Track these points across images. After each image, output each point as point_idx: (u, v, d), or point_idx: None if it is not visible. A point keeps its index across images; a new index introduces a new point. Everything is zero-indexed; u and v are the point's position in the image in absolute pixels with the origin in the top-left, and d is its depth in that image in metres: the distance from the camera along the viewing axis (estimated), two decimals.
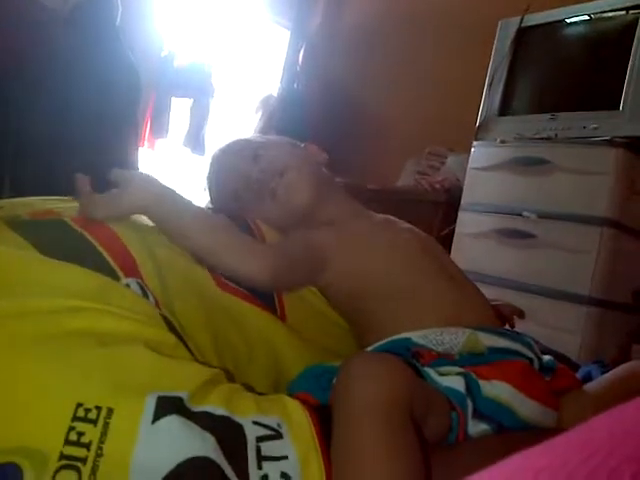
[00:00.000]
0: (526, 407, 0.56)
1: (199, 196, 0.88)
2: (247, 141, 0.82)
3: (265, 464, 0.40)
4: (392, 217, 0.81)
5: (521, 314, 0.87)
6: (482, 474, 0.22)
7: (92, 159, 1.29)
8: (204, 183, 0.84)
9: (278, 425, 0.43)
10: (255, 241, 0.68)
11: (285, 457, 0.41)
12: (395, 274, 0.70)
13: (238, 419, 0.42)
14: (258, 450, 0.40)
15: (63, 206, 0.66)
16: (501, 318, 0.82)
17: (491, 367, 0.58)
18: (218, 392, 0.44)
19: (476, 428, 0.54)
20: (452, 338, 0.61)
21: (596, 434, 0.22)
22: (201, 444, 0.39)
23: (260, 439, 0.41)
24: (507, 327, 0.82)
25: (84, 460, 0.36)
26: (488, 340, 0.62)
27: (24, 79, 1.16)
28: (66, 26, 1.24)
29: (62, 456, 0.36)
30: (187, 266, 0.61)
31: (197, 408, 0.41)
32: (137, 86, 1.46)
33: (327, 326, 0.71)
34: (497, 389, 0.56)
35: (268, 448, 0.41)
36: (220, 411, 0.42)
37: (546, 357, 0.67)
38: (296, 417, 0.44)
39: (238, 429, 0.41)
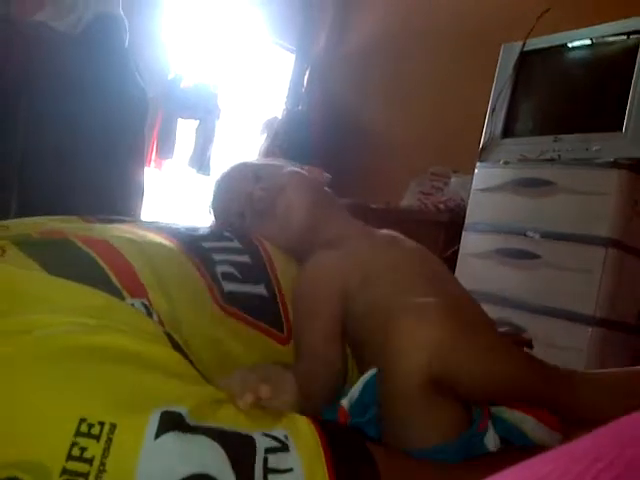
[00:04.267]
0: (537, 430, 0.57)
1: (204, 216, 0.89)
2: (248, 164, 0.83)
3: (270, 476, 0.40)
4: (397, 235, 0.81)
5: (530, 344, 0.85)
6: None
7: (99, 179, 1.30)
8: (208, 208, 0.85)
9: (285, 437, 0.43)
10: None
11: (290, 470, 0.41)
12: (394, 297, 0.70)
13: (247, 431, 0.42)
14: (265, 462, 0.40)
15: (69, 226, 0.66)
16: None
17: None
18: (226, 411, 0.44)
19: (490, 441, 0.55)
20: None
21: (601, 441, 0.22)
22: (202, 460, 0.39)
23: (268, 451, 0.41)
24: None
25: (86, 475, 0.36)
26: None
27: (33, 99, 1.18)
28: (75, 48, 1.26)
29: (64, 471, 0.36)
30: (193, 288, 0.61)
31: (202, 423, 0.41)
32: (144, 107, 1.48)
33: None
34: (504, 414, 0.58)
35: (274, 460, 0.41)
36: (229, 426, 0.42)
37: None
38: (302, 430, 0.44)
39: (248, 440, 0.41)
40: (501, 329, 0.81)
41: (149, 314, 0.52)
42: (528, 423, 0.58)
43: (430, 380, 0.51)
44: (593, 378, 0.60)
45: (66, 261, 0.54)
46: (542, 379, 0.57)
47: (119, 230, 0.65)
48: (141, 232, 0.66)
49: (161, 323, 0.53)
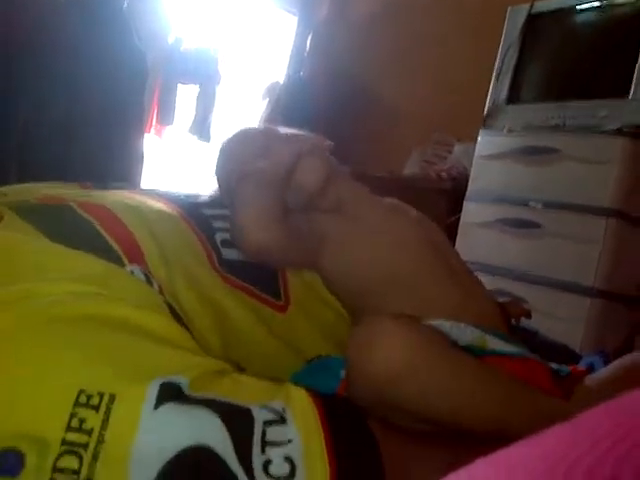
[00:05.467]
0: None
1: (205, 183, 0.88)
2: (253, 128, 0.81)
3: (268, 449, 0.40)
4: (401, 204, 0.80)
5: (528, 315, 0.84)
6: (482, 463, 0.22)
7: (98, 146, 1.29)
8: (212, 174, 0.83)
9: (283, 410, 0.43)
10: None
11: (289, 441, 0.41)
12: (396, 268, 0.69)
13: (246, 404, 0.42)
14: (263, 434, 0.40)
15: (67, 192, 0.66)
16: (507, 317, 0.80)
17: (497, 359, 0.58)
18: (225, 383, 0.44)
19: None
20: (460, 333, 0.60)
21: (604, 420, 0.22)
22: (201, 432, 0.39)
23: (266, 423, 0.41)
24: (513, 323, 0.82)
25: (85, 446, 0.36)
26: (495, 345, 0.61)
27: (29, 65, 1.16)
28: (72, 11, 1.24)
29: (64, 442, 0.36)
30: (191, 254, 0.61)
31: (201, 395, 0.41)
32: (143, 71, 1.45)
33: (332, 317, 0.71)
34: None
35: (272, 433, 0.41)
36: (227, 399, 0.42)
37: (560, 365, 0.66)
38: (300, 402, 0.45)
39: (246, 413, 0.41)
40: (501, 300, 0.81)
41: (149, 282, 0.52)
42: None
43: (381, 404, 0.48)
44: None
45: (64, 227, 0.53)
46: (530, 415, 0.49)
47: (117, 196, 0.65)
48: (140, 198, 0.65)
49: (161, 291, 0.53)
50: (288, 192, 0.72)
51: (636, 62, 1.61)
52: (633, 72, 1.62)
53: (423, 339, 0.49)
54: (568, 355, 0.76)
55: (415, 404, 0.48)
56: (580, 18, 1.87)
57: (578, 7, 1.84)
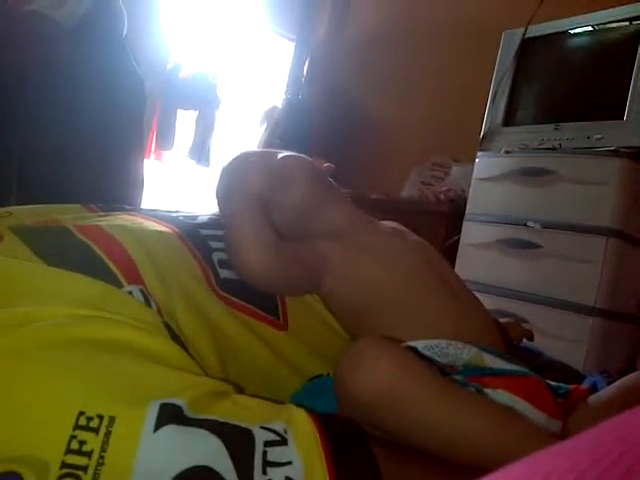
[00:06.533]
0: (531, 416, 0.56)
1: (204, 207, 0.88)
2: (252, 152, 0.82)
3: (269, 469, 0.40)
4: (400, 227, 0.80)
5: (530, 336, 0.84)
6: (488, 478, 0.22)
7: (98, 171, 1.30)
8: (213, 195, 0.83)
9: (284, 431, 0.43)
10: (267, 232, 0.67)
11: (289, 463, 0.41)
12: (395, 290, 0.69)
13: (246, 425, 0.42)
14: (264, 454, 0.40)
15: (69, 217, 0.66)
16: (508, 338, 0.79)
17: (496, 378, 0.58)
18: (224, 403, 0.44)
19: None
20: (457, 352, 0.60)
21: (606, 437, 0.22)
22: (202, 452, 0.38)
23: (267, 444, 0.41)
24: (516, 343, 0.81)
25: (85, 469, 0.36)
26: (493, 362, 0.61)
27: (30, 91, 1.17)
28: (72, 38, 1.25)
29: (63, 465, 0.36)
30: (188, 274, 0.61)
31: (201, 416, 0.41)
32: (143, 97, 1.47)
33: (329, 336, 0.71)
34: (501, 397, 0.56)
35: (273, 453, 0.41)
36: (227, 420, 0.42)
37: (559, 384, 0.65)
38: (301, 424, 0.44)
39: (247, 434, 0.41)
40: (502, 320, 0.80)
41: (147, 302, 0.52)
42: (518, 404, 0.56)
43: (371, 427, 0.48)
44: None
45: (62, 250, 0.53)
46: (520, 439, 0.48)
47: (115, 218, 0.65)
48: (138, 219, 0.65)
49: (159, 312, 0.52)
50: (281, 217, 0.73)
51: (629, 84, 1.64)
52: (627, 94, 1.64)
53: (406, 368, 0.49)
54: (571, 375, 0.76)
55: (398, 430, 0.48)
56: (573, 42, 1.90)
57: (571, 31, 1.87)
